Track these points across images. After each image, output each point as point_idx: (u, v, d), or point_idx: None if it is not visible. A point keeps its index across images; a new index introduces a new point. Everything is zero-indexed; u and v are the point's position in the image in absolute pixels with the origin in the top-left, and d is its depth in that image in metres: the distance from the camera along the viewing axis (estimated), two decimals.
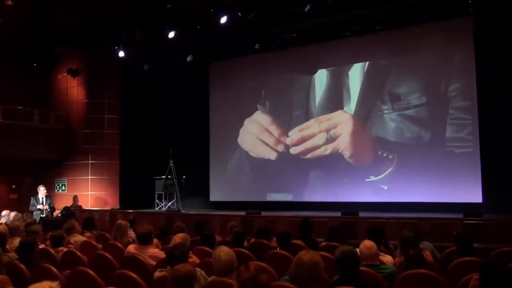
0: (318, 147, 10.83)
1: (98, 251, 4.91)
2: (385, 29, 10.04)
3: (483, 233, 6.85)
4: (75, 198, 12.40)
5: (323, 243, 5.23)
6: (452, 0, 8.86)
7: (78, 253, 4.90)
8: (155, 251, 4.71)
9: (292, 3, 9.27)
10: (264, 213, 9.14)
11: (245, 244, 5.17)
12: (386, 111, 10.08)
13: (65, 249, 5.05)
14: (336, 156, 10.57)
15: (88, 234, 6.59)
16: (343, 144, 10.51)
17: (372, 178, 10.13)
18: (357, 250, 3.49)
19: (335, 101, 10.79)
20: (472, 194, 8.97)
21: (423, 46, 9.79)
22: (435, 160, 9.42)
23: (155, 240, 5.38)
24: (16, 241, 4.94)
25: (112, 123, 13.07)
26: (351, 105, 10.55)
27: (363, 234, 6.32)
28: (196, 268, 3.42)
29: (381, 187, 10.02)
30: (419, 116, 9.71)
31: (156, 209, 11.72)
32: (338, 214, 8.39)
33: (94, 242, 5.82)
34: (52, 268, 3.88)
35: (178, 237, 4.51)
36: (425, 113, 9.66)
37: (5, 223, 7.51)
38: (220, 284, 3.24)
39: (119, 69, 12.79)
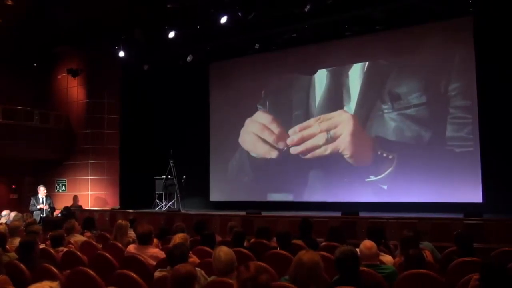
0: (318, 147, 10.83)
1: (98, 251, 4.91)
2: (385, 29, 10.04)
3: (483, 233, 6.85)
4: (75, 198, 12.41)
5: (323, 243, 5.22)
6: (452, 0, 8.86)
7: (78, 253, 4.90)
8: (155, 251, 4.71)
9: (292, 3, 9.27)
10: (264, 213, 9.13)
11: (245, 244, 5.17)
12: (386, 111, 10.07)
13: (65, 249, 5.05)
14: (336, 156, 10.57)
15: (88, 234, 6.59)
16: (343, 144, 10.51)
17: (372, 178, 10.14)
18: (357, 250, 3.49)
19: (335, 101, 10.79)
20: (472, 194, 8.97)
21: (423, 46, 9.79)
22: (435, 160, 9.43)
23: (155, 240, 5.38)
24: (16, 241, 4.94)
25: (112, 123, 13.07)
26: (351, 105, 10.55)
27: (363, 234, 6.32)
28: (196, 268, 3.42)
29: (381, 187, 10.02)
30: (419, 115, 9.71)
31: (156, 209, 11.72)
32: (338, 214, 8.39)
33: (94, 242, 5.82)
34: (52, 268, 3.88)
35: (178, 237, 4.52)
36: (425, 113, 9.66)
37: (5, 223, 7.50)
38: (220, 284, 3.24)
39: (119, 69, 12.79)
